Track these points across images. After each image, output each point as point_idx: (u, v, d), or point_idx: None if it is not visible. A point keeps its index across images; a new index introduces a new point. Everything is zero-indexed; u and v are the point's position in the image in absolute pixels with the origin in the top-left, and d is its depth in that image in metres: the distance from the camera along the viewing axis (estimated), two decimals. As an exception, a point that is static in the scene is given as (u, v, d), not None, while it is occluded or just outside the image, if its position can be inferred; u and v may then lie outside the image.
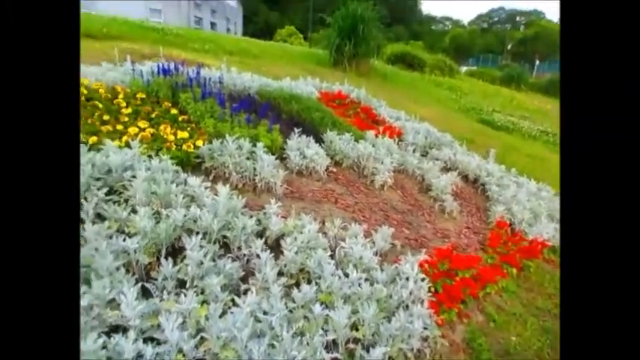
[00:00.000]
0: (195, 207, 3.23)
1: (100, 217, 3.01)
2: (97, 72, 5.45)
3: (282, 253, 3.13)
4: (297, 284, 2.93)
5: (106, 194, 3.17)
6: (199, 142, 4.29)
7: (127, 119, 4.44)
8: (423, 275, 3.21)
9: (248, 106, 5.54)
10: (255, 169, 4.27)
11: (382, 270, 3.23)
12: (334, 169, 5.32)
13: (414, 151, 6.43)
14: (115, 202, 3.13)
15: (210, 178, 4.24)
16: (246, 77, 7.09)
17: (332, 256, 3.29)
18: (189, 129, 4.67)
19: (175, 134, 4.33)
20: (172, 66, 5.66)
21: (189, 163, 4.20)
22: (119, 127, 4.23)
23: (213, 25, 40.71)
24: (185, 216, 3.09)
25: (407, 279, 3.15)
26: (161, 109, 4.90)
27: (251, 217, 3.41)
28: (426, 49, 29.62)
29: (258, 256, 2.99)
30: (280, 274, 3.01)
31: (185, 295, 2.42)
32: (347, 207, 4.54)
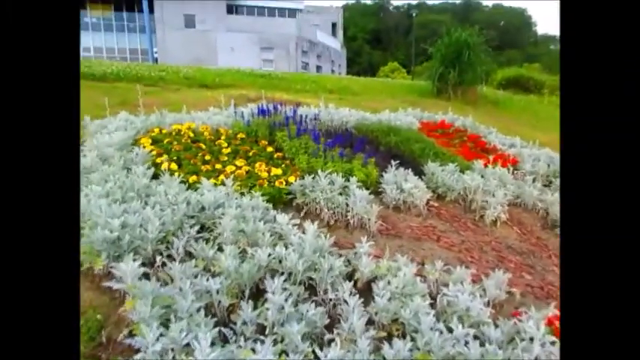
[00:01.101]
0: (281, 246, 3.08)
1: (189, 256, 3.03)
2: (203, 116, 5.90)
3: (373, 299, 2.77)
4: (389, 337, 2.53)
5: (198, 232, 3.21)
6: (291, 179, 4.24)
7: (226, 158, 4.64)
8: (554, 338, 2.54)
9: (343, 141, 5.41)
10: (347, 204, 4.03)
11: (496, 326, 2.65)
12: (436, 204, 4.83)
13: (533, 180, 5.58)
14: (205, 240, 3.15)
15: (302, 214, 4.13)
16: (344, 112, 7.06)
17: (432, 306, 2.81)
18: (283, 166, 4.69)
19: (269, 171, 4.36)
20: (271, 107, 5.88)
21: (281, 200, 4.15)
22: (218, 165, 4.42)
23: (318, 68, 43.12)
24: (270, 255, 2.96)
25: (530, 340, 2.51)
26: (258, 148, 5.04)
27: (340, 256, 3.15)
28: (544, 71, 27.03)
29: (345, 301, 2.68)
30: (370, 323, 2.65)
31: (263, 343, 2.22)
32: (451, 246, 4.00)
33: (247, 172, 4.34)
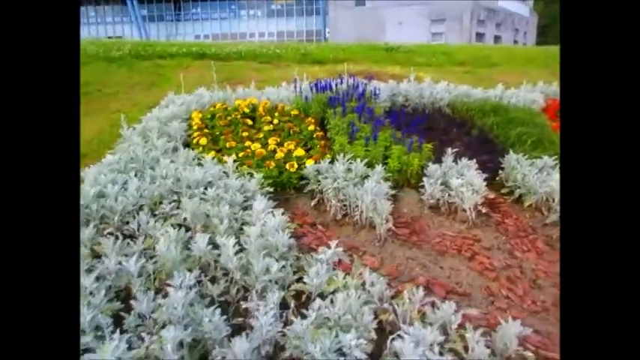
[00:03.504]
0: (233, 237, 2.76)
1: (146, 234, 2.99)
2: (273, 92, 5.80)
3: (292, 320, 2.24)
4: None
5: (170, 210, 3.15)
6: (310, 162, 3.79)
7: (261, 135, 4.45)
8: None
9: (398, 120, 4.58)
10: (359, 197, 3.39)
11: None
12: (508, 209, 3.69)
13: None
14: (164, 219, 3.06)
15: (313, 203, 3.67)
16: (440, 87, 6.00)
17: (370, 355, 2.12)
18: (318, 147, 4.25)
19: (289, 152, 4.00)
20: (338, 81, 5.37)
21: (291, 185, 3.76)
22: (248, 143, 4.26)
23: (497, 38, 38.68)
24: (210, 245, 2.68)
25: None
26: (303, 126, 4.68)
27: (284, 260, 2.65)
28: None
29: (256, 316, 2.23)
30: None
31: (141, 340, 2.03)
32: (487, 270, 2.99)
33: (272, 151, 4.07)
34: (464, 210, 3.47)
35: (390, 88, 5.99)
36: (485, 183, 3.88)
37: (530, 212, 3.67)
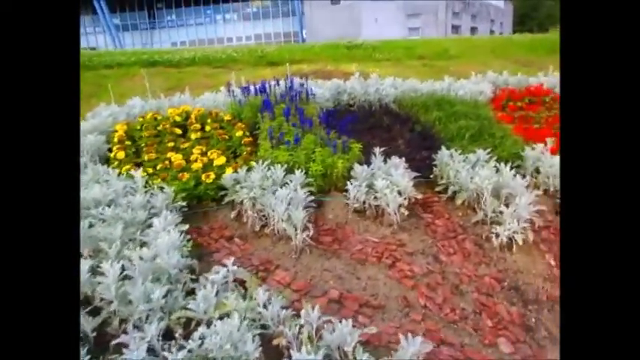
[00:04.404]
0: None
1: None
2: (210, 98, 5.56)
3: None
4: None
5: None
6: (229, 170, 3.56)
7: (187, 145, 4.21)
8: None
9: (327, 120, 4.37)
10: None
11: None
12: (440, 209, 3.50)
13: None
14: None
15: (233, 214, 3.44)
16: (387, 83, 5.81)
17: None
18: (244, 153, 4.02)
19: (210, 161, 3.76)
20: (274, 83, 5.14)
21: (208, 196, 3.53)
22: (171, 154, 4.01)
23: (473, 30, 38.96)
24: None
25: None
26: (234, 132, 4.45)
27: (177, 284, 2.42)
28: None
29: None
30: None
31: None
32: (406, 277, 2.79)
33: (193, 162, 3.82)
34: (390, 213, 3.27)
35: (335, 86, 5.78)
36: (418, 181, 3.73)
37: (462, 210, 3.49)
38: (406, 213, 3.31)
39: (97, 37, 36.60)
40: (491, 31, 40.70)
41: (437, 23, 35.21)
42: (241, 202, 3.43)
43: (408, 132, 4.96)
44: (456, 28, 37.41)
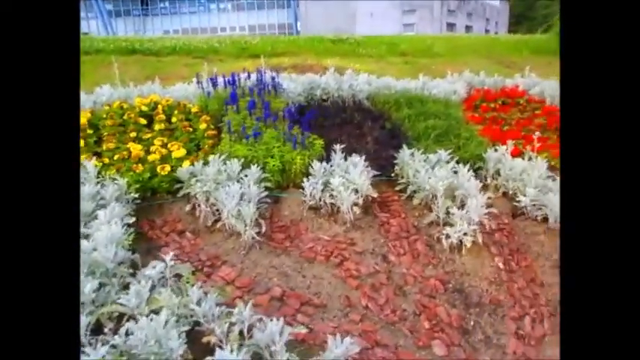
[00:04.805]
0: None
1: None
2: (181, 89, 5.49)
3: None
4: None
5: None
6: (186, 163, 3.51)
7: (149, 136, 4.15)
8: None
9: (291, 115, 4.33)
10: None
11: None
12: (398, 208, 3.50)
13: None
14: None
15: (188, 208, 3.40)
16: (361, 79, 5.78)
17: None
18: (206, 146, 3.98)
19: (168, 153, 3.72)
20: (245, 76, 5.09)
21: (163, 189, 3.48)
22: (132, 145, 3.95)
23: (468, 28, 39.03)
24: None
25: None
26: (197, 124, 4.39)
27: (113, 278, 2.38)
28: None
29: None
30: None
31: None
32: (352, 277, 2.78)
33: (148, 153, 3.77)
34: (344, 212, 3.26)
35: (309, 81, 5.73)
36: (380, 180, 3.73)
37: (419, 210, 3.48)
38: (361, 212, 3.30)
39: (89, 23, 36.01)
40: (487, 30, 40.76)
41: (432, 20, 35.19)
42: (196, 196, 3.41)
43: (378, 129, 4.94)
44: (451, 26, 37.41)
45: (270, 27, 36.21)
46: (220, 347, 2.03)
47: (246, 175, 3.33)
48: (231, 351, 1.95)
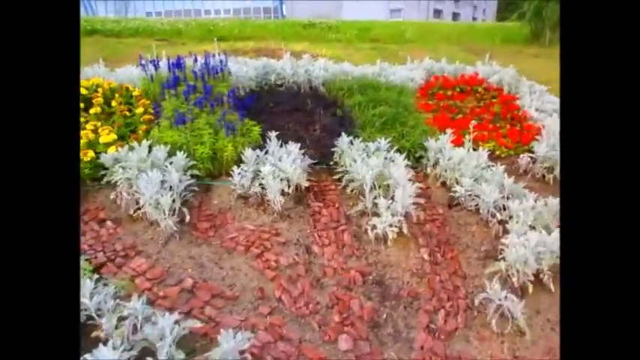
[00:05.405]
0: None
1: None
2: (126, 72, 5.29)
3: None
4: None
5: None
6: (112, 149, 3.37)
7: (83, 120, 3.98)
8: None
9: (235, 100, 4.19)
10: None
11: None
12: (333, 197, 3.42)
13: (527, 173, 3.58)
14: None
15: (112, 196, 3.27)
16: (317, 65, 5.64)
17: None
18: (139, 131, 3.83)
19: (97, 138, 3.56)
20: (192, 59, 4.91)
21: (84, 175, 3.34)
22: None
23: (455, 15, 38.93)
24: None
25: None
26: (136, 108, 4.23)
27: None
28: None
29: None
30: None
31: None
32: (269, 268, 2.70)
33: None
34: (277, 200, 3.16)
35: (263, 65, 5.58)
36: (321, 169, 3.66)
37: (353, 200, 3.41)
38: (293, 201, 3.21)
39: (66, 3, 34.64)
40: (474, 18, 40.76)
41: (419, 6, 35.02)
42: (117, 183, 3.28)
43: (329, 117, 4.84)
44: (438, 12, 37.29)
45: (255, 10, 35.46)
46: (104, 343, 1.95)
47: (171, 163, 3.21)
48: (114, 347, 1.87)
